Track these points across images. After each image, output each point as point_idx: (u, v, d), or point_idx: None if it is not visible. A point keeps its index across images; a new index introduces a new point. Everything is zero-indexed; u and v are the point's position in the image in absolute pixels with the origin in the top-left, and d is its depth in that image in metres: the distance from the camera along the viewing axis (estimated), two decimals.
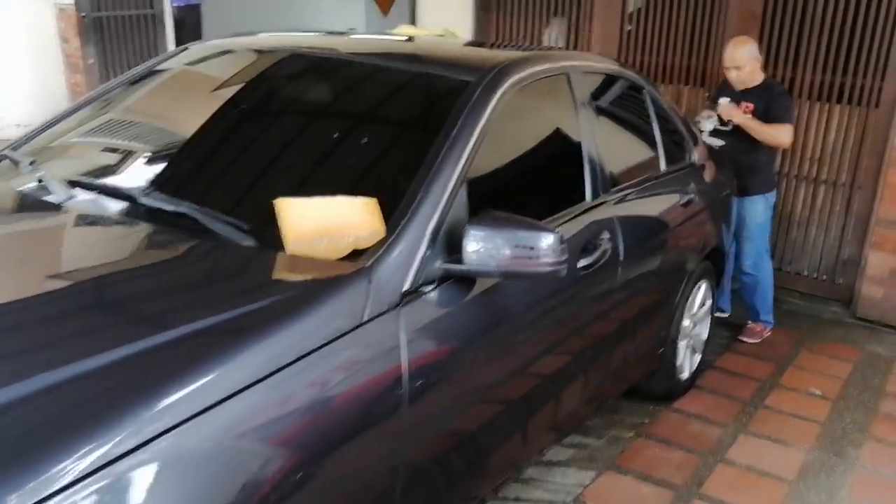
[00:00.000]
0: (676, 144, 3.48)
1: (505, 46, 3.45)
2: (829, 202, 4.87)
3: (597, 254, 2.50)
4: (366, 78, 2.57)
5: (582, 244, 2.46)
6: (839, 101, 4.70)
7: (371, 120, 2.40)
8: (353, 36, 3.19)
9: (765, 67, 4.62)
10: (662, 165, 3.23)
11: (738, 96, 4.18)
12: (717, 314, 4.52)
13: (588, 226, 2.55)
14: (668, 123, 3.42)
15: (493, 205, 2.01)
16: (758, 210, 4.22)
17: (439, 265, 1.91)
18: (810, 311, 4.87)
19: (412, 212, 1.90)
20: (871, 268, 4.69)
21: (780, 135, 4.03)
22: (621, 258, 2.68)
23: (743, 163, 4.18)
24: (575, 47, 5.49)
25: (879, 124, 4.59)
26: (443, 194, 1.96)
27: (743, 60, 4.07)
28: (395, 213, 1.90)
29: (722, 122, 4.16)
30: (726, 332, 4.47)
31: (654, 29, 5.16)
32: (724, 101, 4.15)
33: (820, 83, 4.72)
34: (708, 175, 3.66)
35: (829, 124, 4.76)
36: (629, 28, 5.20)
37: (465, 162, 2.06)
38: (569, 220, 2.46)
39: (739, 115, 4.06)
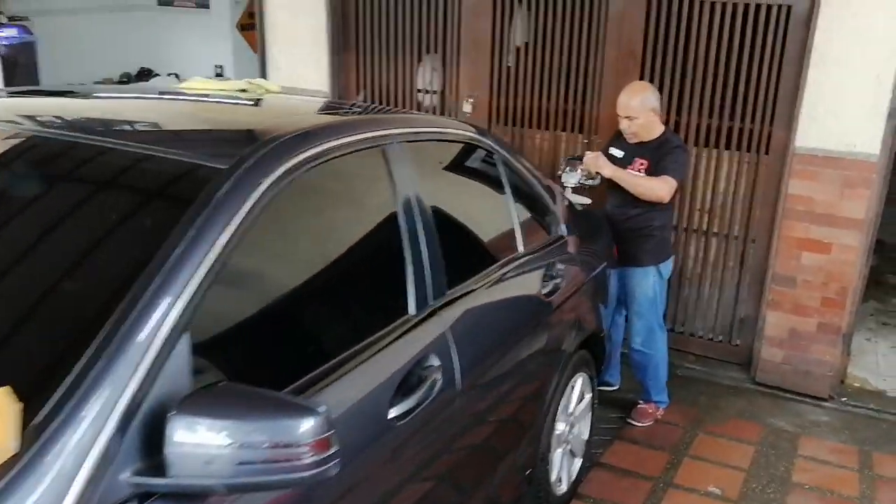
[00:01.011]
0: (539, 217, 2.93)
1: (326, 107, 2.77)
2: (722, 256, 4.42)
3: (419, 393, 1.87)
4: (61, 167, 1.81)
5: (396, 384, 1.82)
6: (728, 147, 4.27)
7: (47, 237, 1.62)
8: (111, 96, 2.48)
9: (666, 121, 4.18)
10: (520, 246, 2.65)
11: (632, 151, 3.67)
12: (604, 387, 3.99)
13: (408, 353, 1.92)
14: (528, 193, 2.86)
15: (244, 362, 1.36)
16: (648, 283, 3.71)
17: (128, 478, 1.23)
18: (707, 376, 4.40)
19: (78, 396, 1.21)
20: (769, 328, 4.25)
21: (657, 187, 3.51)
22: (459, 386, 2.06)
23: (630, 227, 3.66)
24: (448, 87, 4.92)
25: (771, 172, 4.17)
26: (141, 358, 1.28)
27: (636, 110, 3.57)
28: (49, 402, 1.21)
29: (590, 175, 3.65)
30: (615, 411, 3.93)
31: (529, 68, 4.63)
32: (589, 154, 3.64)
33: (707, 128, 4.28)
34: (578, 247, 3.11)
35: (718, 172, 4.32)
36: (509, 65, 4.65)
37: (191, 301, 1.38)
38: (373, 354, 1.81)
39: (608, 167, 3.55)
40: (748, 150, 4.21)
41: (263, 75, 5.27)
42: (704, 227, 4.43)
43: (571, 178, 3.65)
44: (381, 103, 5.10)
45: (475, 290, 2.28)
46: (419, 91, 4.95)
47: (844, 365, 4.32)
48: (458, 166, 2.56)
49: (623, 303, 3.86)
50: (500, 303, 2.41)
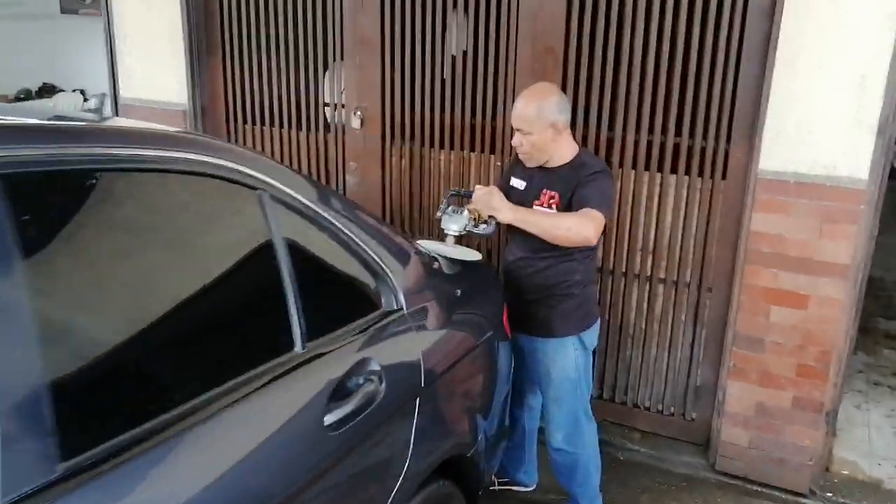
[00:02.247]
0: (359, 288, 1.94)
1: None
2: (671, 308, 3.48)
3: None
4: None
5: None
6: (674, 170, 3.33)
7: None
8: None
9: (583, 139, 3.25)
10: (298, 343, 1.65)
11: (539, 180, 2.73)
12: (517, 488, 3.03)
13: None
14: (333, 254, 1.88)
15: None
16: (568, 359, 2.75)
17: None
18: (656, 461, 3.46)
19: None
20: (731, 402, 3.30)
21: (579, 225, 2.51)
22: None
23: (540, 285, 2.71)
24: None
25: (729, 202, 3.23)
26: None
27: (531, 122, 2.61)
28: None
29: (480, 219, 2.69)
30: None
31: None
32: (480, 189, 2.67)
33: (648, 147, 3.34)
34: (441, 320, 2.14)
35: (663, 203, 3.38)
36: (444, 78, 3.68)
37: None
38: None
39: (506, 209, 2.59)
40: (700, 174, 3.28)
41: (113, 86, 4.28)
42: (648, 271, 3.48)
43: (454, 224, 2.68)
44: (262, 121, 4.11)
45: (171, 445, 1.30)
46: (326, 105, 3.96)
47: (829, 447, 3.38)
48: (171, 219, 1.54)
49: (536, 383, 2.89)
50: (226, 453, 1.40)
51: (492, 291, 2.62)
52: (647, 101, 3.27)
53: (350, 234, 1.88)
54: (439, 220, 2.71)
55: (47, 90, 8.64)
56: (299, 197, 1.75)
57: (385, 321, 1.94)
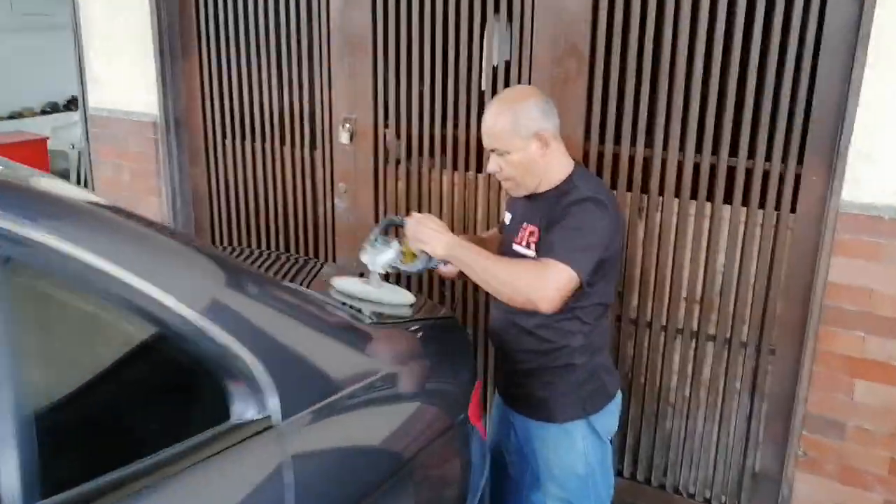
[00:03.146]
0: (156, 396, 1.30)
1: None
2: (722, 373, 2.75)
3: None
4: None
5: None
6: (729, 200, 2.62)
7: None
8: None
9: (614, 160, 2.59)
10: None
11: (523, 211, 2.10)
12: None
13: None
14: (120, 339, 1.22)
15: None
16: (573, 450, 2.07)
17: None
18: None
19: None
20: (800, 500, 2.56)
21: (529, 281, 1.83)
22: None
23: (530, 350, 2.06)
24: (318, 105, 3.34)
25: (800, 242, 2.50)
26: None
27: (507, 136, 1.95)
28: None
29: (409, 254, 2.09)
30: None
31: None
32: (414, 217, 2.02)
33: (694, 169, 2.63)
34: (346, 428, 1.47)
35: (714, 239, 2.66)
36: (483, 89, 3.05)
37: None
38: None
39: (438, 240, 1.94)
40: (761, 205, 2.56)
41: (83, 95, 3.77)
42: (695, 325, 2.76)
43: (380, 258, 2.08)
44: (242, 136, 3.54)
45: None
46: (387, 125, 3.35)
47: None
48: None
49: (535, 476, 2.20)
50: None
51: (449, 360, 1.94)
52: (693, 111, 2.57)
53: (165, 307, 1.18)
54: (361, 253, 2.12)
55: (75, 103, 8.36)
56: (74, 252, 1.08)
57: (227, 442, 1.24)
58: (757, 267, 2.61)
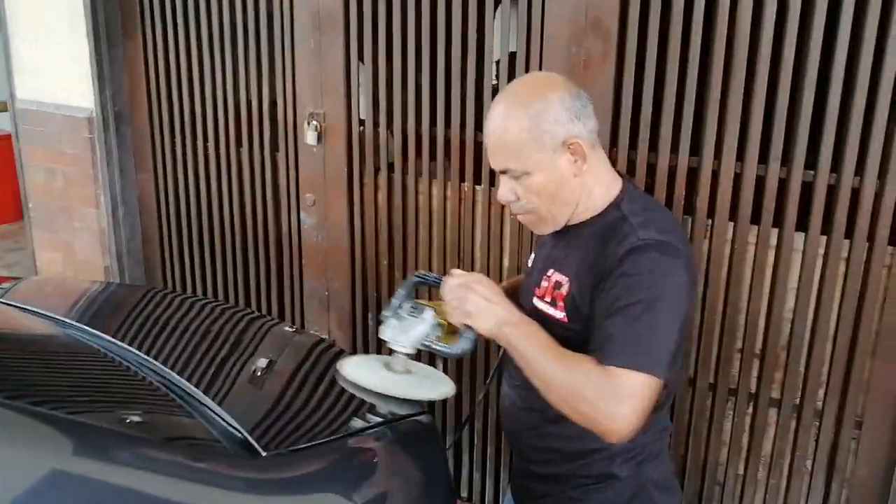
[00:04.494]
0: None
1: None
2: (788, 449, 2.12)
3: None
4: None
5: None
6: (802, 225, 1.97)
7: None
8: None
9: (649, 171, 1.99)
10: None
11: (548, 248, 1.49)
12: None
13: None
14: None
15: None
16: None
17: None
18: None
19: None
20: None
21: (597, 403, 1.20)
22: None
23: (550, 450, 1.49)
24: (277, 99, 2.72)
25: (888, 282, 1.86)
26: None
27: (524, 150, 1.30)
28: None
29: (450, 329, 1.45)
30: None
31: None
32: (454, 277, 1.38)
33: (756, 183, 1.99)
34: None
35: (780, 276, 2.02)
36: (494, 82, 2.42)
37: None
38: None
39: (487, 315, 1.31)
40: (848, 233, 1.92)
41: (9, 85, 3.17)
42: (752, 386, 2.13)
43: (407, 335, 1.44)
44: (193, 135, 2.92)
45: None
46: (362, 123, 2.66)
47: None
48: None
49: None
50: None
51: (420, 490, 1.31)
52: (756, 107, 1.92)
53: None
54: (379, 325, 1.48)
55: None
56: None
57: None
58: (839, 314, 1.97)
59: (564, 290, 1.36)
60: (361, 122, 2.57)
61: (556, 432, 1.42)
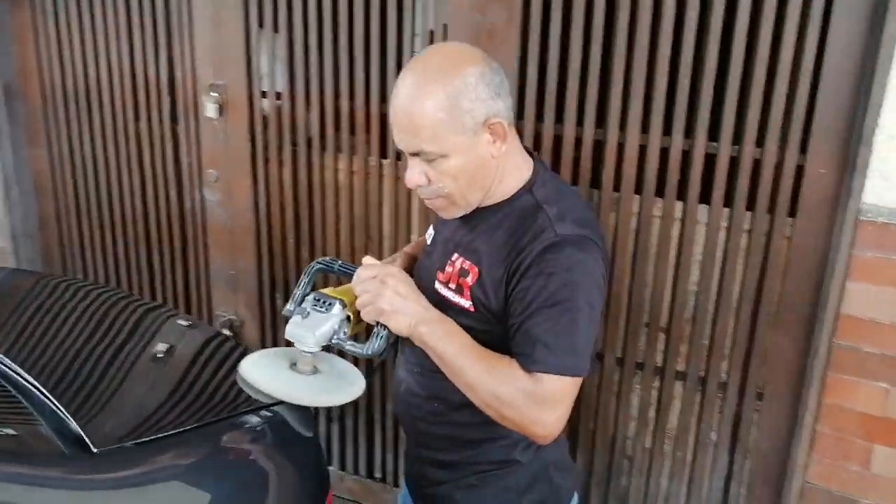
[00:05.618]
0: None
1: None
2: (693, 421, 2.13)
3: None
4: None
5: None
6: (705, 198, 1.96)
7: None
8: None
9: (555, 144, 1.94)
10: None
11: (451, 229, 1.40)
12: None
13: None
14: None
15: None
16: None
17: None
18: None
19: None
20: None
21: (522, 416, 1.20)
22: None
23: (446, 437, 1.42)
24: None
25: (801, 256, 1.87)
26: None
27: (440, 130, 1.20)
28: None
29: (357, 323, 1.38)
30: None
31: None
32: (366, 267, 1.31)
33: (660, 156, 1.97)
34: None
35: (685, 249, 2.01)
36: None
37: None
38: None
39: (404, 314, 1.25)
40: (750, 206, 1.91)
41: None
42: (659, 360, 2.12)
43: (313, 333, 1.31)
44: (88, 107, 2.76)
45: None
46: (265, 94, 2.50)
47: None
48: None
49: None
50: None
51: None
52: (660, 78, 1.89)
53: None
54: (286, 320, 1.36)
55: None
56: None
57: None
58: (742, 287, 1.97)
59: (471, 278, 1.29)
60: (264, 94, 2.46)
61: (460, 419, 1.36)
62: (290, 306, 1.38)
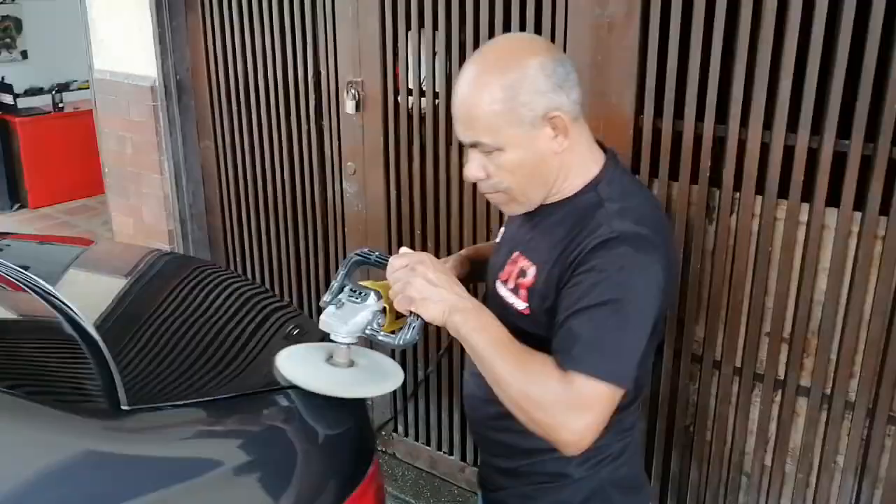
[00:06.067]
0: None
1: None
2: (817, 443, 1.98)
3: None
4: None
5: None
6: (834, 200, 1.82)
7: None
8: None
9: (676, 141, 1.89)
10: None
11: (515, 228, 1.39)
12: None
13: None
14: None
15: None
16: None
17: None
18: None
19: None
20: None
21: (549, 418, 1.14)
22: None
23: (506, 445, 1.40)
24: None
25: None
26: None
27: (496, 123, 1.19)
28: None
29: (394, 315, 1.32)
30: None
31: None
32: (400, 256, 1.28)
33: (785, 154, 1.85)
34: None
35: (810, 254, 1.87)
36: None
37: None
38: None
39: (435, 302, 1.21)
40: (884, 210, 1.75)
41: (88, 57, 3.36)
42: (781, 372, 1.99)
43: (347, 324, 1.30)
44: (247, 105, 2.99)
45: None
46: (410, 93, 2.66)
47: None
48: None
49: None
50: None
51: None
52: (786, 70, 1.78)
53: None
54: (322, 309, 1.36)
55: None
56: None
57: None
58: (874, 298, 1.81)
59: (529, 279, 1.27)
60: (410, 91, 2.55)
61: (515, 427, 1.27)
62: (326, 297, 1.35)
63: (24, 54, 6.34)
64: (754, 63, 1.82)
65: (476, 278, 1.52)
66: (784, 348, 1.97)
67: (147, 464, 1.10)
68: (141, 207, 3.34)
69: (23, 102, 5.72)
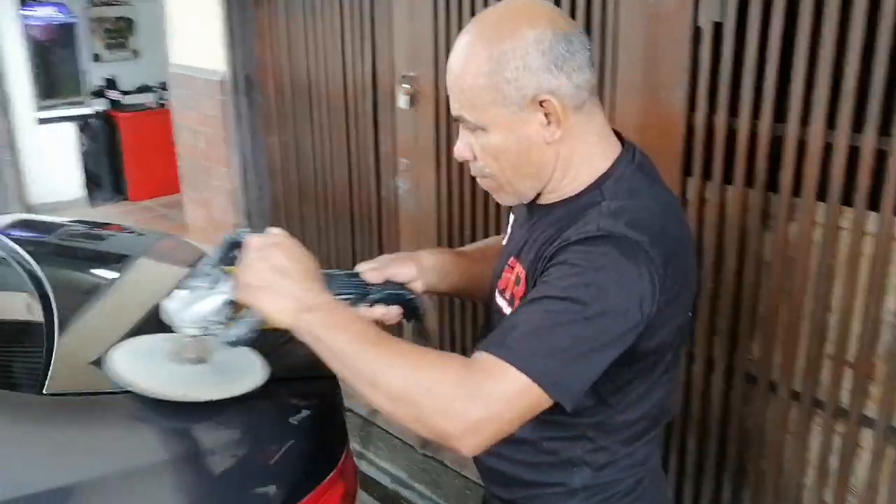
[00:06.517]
0: None
1: None
2: (883, 479, 1.77)
3: None
4: None
5: None
6: (874, 205, 1.62)
7: None
8: None
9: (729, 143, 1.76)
10: None
11: (518, 230, 1.22)
12: None
13: None
14: None
15: None
16: None
17: None
18: None
19: None
20: None
21: (436, 407, 0.92)
22: None
23: (501, 473, 1.23)
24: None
25: None
26: None
27: (472, 97, 1.05)
28: None
29: (237, 310, 1.09)
30: None
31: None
32: (259, 239, 1.04)
33: (848, 155, 1.66)
34: None
35: (876, 270, 1.67)
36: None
37: None
38: None
39: (272, 299, 1.00)
40: None
41: (167, 52, 3.46)
42: (844, 399, 1.79)
43: (190, 311, 1.06)
44: (310, 99, 2.99)
45: None
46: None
47: None
48: None
49: None
50: None
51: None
52: (851, 66, 1.59)
53: None
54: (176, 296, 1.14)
55: None
56: None
57: None
58: None
59: (521, 287, 1.11)
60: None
61: (514, 455, 1.17)
62: (186, 279, 1.10)
63: (136, 53, 6.65)
64: (816, 55, 1.64)
65: (476, 286, 1.37)
66: (848, 373, 1.77)
67: (57, 451, 1.07)
68: (212, 200, 3.41)
69: (129, 100, 5.99)
